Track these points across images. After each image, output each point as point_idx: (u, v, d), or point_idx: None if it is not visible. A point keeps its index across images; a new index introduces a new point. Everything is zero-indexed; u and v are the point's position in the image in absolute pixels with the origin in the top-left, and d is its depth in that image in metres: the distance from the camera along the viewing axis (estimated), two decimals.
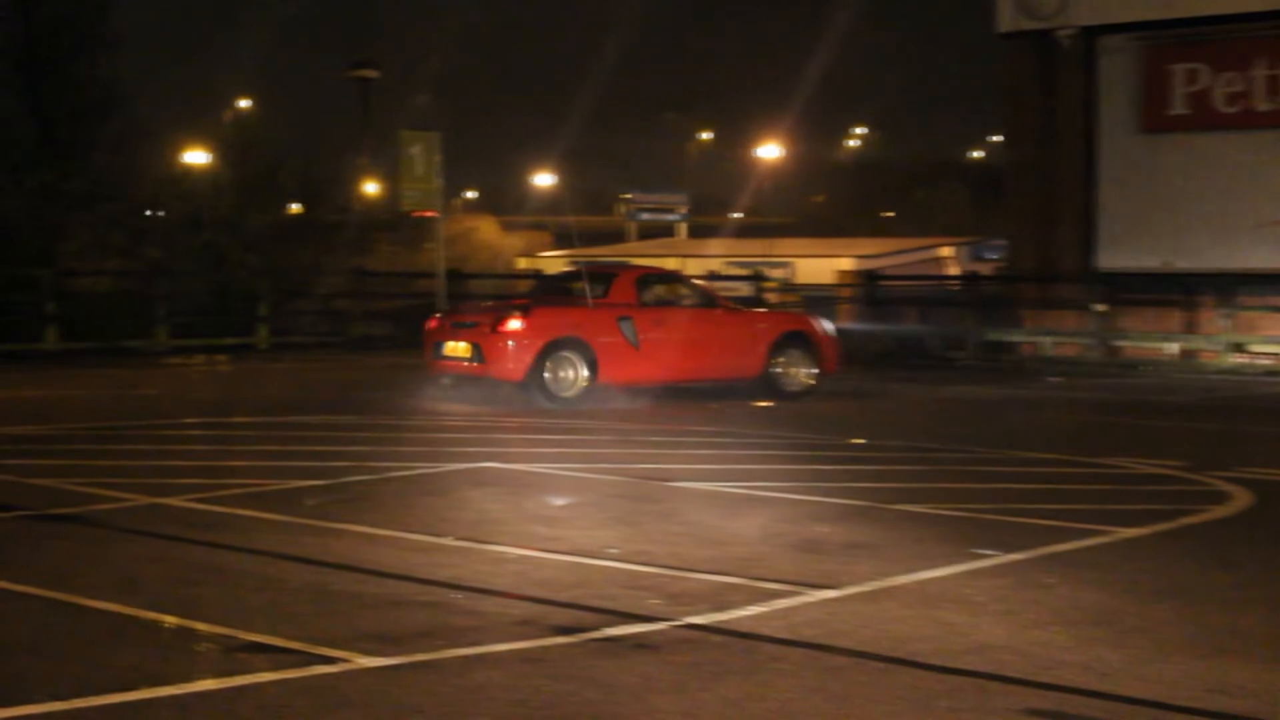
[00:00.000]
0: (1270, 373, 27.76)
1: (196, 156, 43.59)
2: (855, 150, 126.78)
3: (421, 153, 28.99)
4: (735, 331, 21.58)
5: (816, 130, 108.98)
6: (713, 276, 36.59)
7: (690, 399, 21.11)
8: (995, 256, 48.26)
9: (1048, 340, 31.19)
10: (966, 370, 28.75)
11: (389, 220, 43.61)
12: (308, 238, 38.60)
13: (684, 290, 22.28)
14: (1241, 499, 12.49)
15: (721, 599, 8.55)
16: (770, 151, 75.60)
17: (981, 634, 7.86)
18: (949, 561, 9.62)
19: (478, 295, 32.64)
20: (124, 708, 6.52)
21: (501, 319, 20.21)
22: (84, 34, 36.95)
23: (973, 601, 8.58)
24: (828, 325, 22.59)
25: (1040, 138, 33.19)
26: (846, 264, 47.67)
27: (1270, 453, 15.92)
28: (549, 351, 19.97)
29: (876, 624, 8.04)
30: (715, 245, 58.89)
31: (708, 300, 21.97)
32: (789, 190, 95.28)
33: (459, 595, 8.58)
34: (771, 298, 33.98)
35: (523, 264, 58.14)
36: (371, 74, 43.59)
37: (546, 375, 19.94)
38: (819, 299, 33.69)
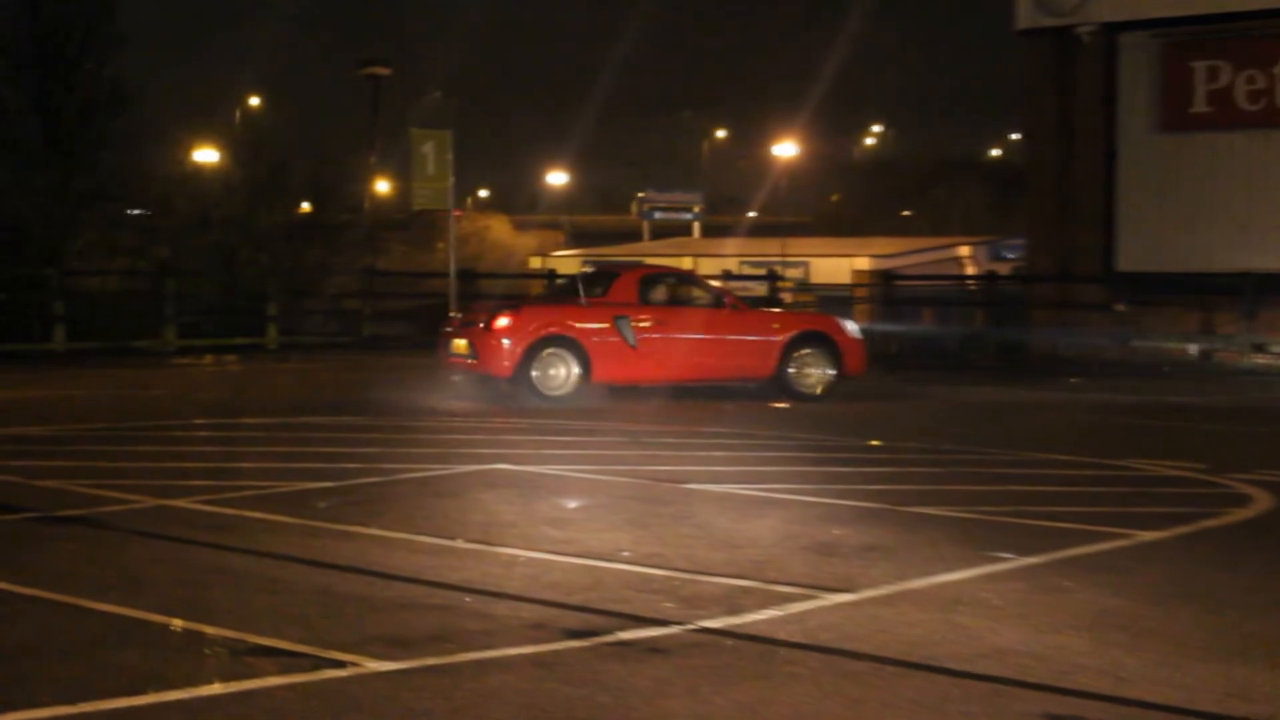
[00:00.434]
0: None
1: (206, 155, 43.66)
2: (872, 148, 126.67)
3: (433, 151, 29.01)
4: (745, 332, 21.54)
5: (833, 128, 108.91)
6: (727, 276, 36.60)
7: (703, 400, 21.11)
8: (1013, 256, 48.22)
9: (1066, 341, 31.15)
10: (984, 371, 28.72)
11: (400, 219, 43.67)
12: (317, 237, 38.64)
13: (693, 290, 22.27)
14: (1263, 502, 12.46)
15: (735, 602, 8.55)
16: (786, 150, 75.48)
17: (998, 638, 7.85)
18: (965, 565, 9.61)
19: (497, 296, 32.65)
20: (131, 712, 6.53)
21: (493, 317, 20.77)
22: (91, 32, 36.97)
23: (989, 605, 8.57)
24: (851, 326, 22.46)
25: (1059, 136, 33.16)
26: (863, 263, 47.67)
27: None
28: (537, 349, 20.43)
29: (892, 628, 8.03)
30: (730, 245, 58.88)
31: (718, 300, 21.92)
32: (805, 189, 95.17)
33: (470, 598, 8.59)
34: (786, 298, 33.97)
35: (535, 263, 58.14)
36: (382, 71, 43.58)
37: (535, 372, 20.40)
38: (835, 299, 33.69)
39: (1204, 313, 30.46)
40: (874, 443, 16.73)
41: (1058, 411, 21.07)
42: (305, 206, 40.93)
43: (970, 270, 50.90)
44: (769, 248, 51.95)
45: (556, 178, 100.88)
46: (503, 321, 20.64)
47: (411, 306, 38.31)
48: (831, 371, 21.60)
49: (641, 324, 21.04)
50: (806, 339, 21.69)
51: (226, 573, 9.26)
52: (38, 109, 36.27)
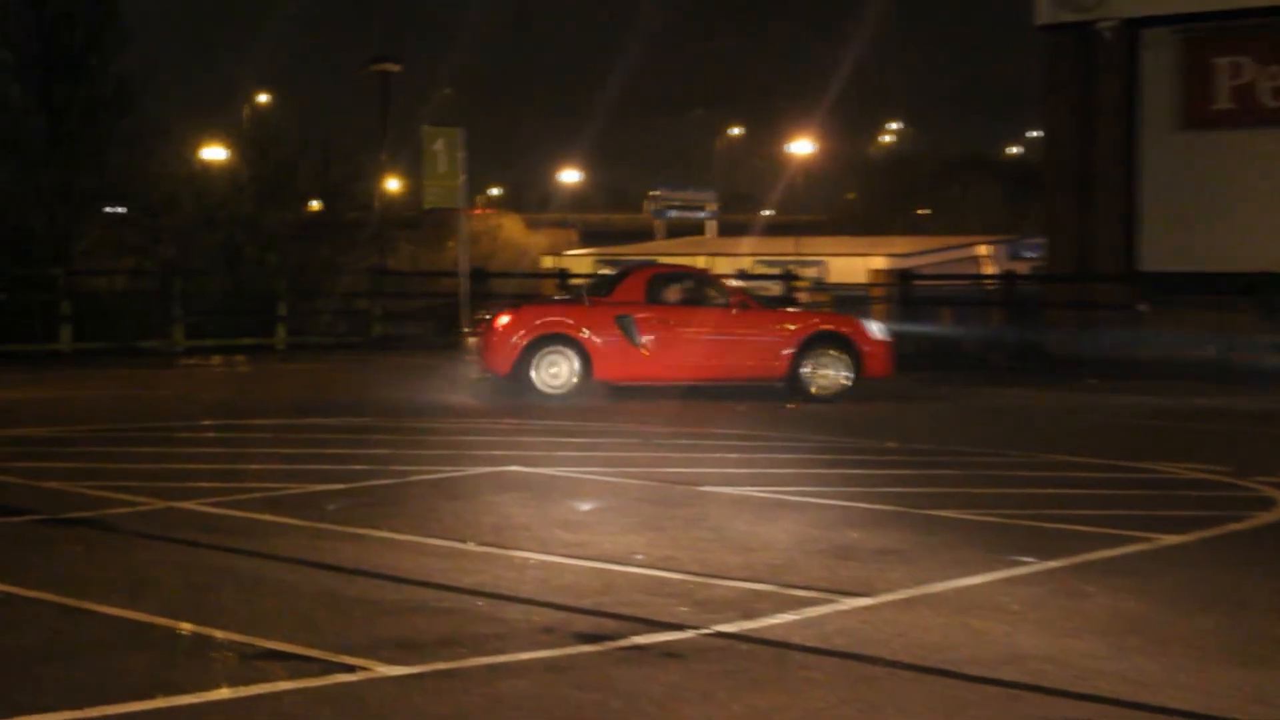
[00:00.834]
0: None
1: (213, 153, 43.70)
2: (889, 146, 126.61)
3: (444, 149, 29.04)
4: (754, 332, 21.56)
5: (849, 126, 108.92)
6: (742, 276, 36.61)
7: (717, 402, 21.11)
8: (1033, 255, 48.16)
9: (1086, 341, 31.09)
10: (1003, 372, 28.69)
11: (410, 218, 43.68)
12: (326, 236, 38.66)
13: (703, 289, 22.28)
14: None
15: (750, 606, 8.55)
16: (802, 147, 75.55)
17: (1018, 643, 7.85)
18: (984, 568, 9.61)
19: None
20: (138, 716, 6.54)
21: (495, 316, 21.58)
22: (97, 29, 37.02)
23: (1009, 610, 8.57)
24: (875, 327, 22.30)
25: (1079, 133, 33.09)
26: (880, 263, 47.58)
27: None
28: (535, 347, 20.99)
29: (910, 632, 8.03)
30: (745, 244, 58.89)
31: (731, 300, 21.90)
32: (821, 187, 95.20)
33: (481, 602, 8.60)
34: (802, 297, 33.94)
35: (548, 263, 58.15)
36: (393, 68, 43.61)
37: (534, 370, 20.96)
38: (851, 299, 33.65)
39: (1226, 313, 30.38)
40: (891, 445, 16.72)
41: (1077, 413, 21.04)
42: (314, 205, 40.96)
43: (988, 270, 50.85)
44: (784, 247, 51.98)
45: (569, 176, 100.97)
46: (503, 320, 21.34)
47: (422, 306, 38.33)
48: (848, 374, 21.52)
49: (646, 323, 21.31)
50: (822, 340, 21.63)
51: (235, 576, 9.28)
52: (43, 107, 36.33)
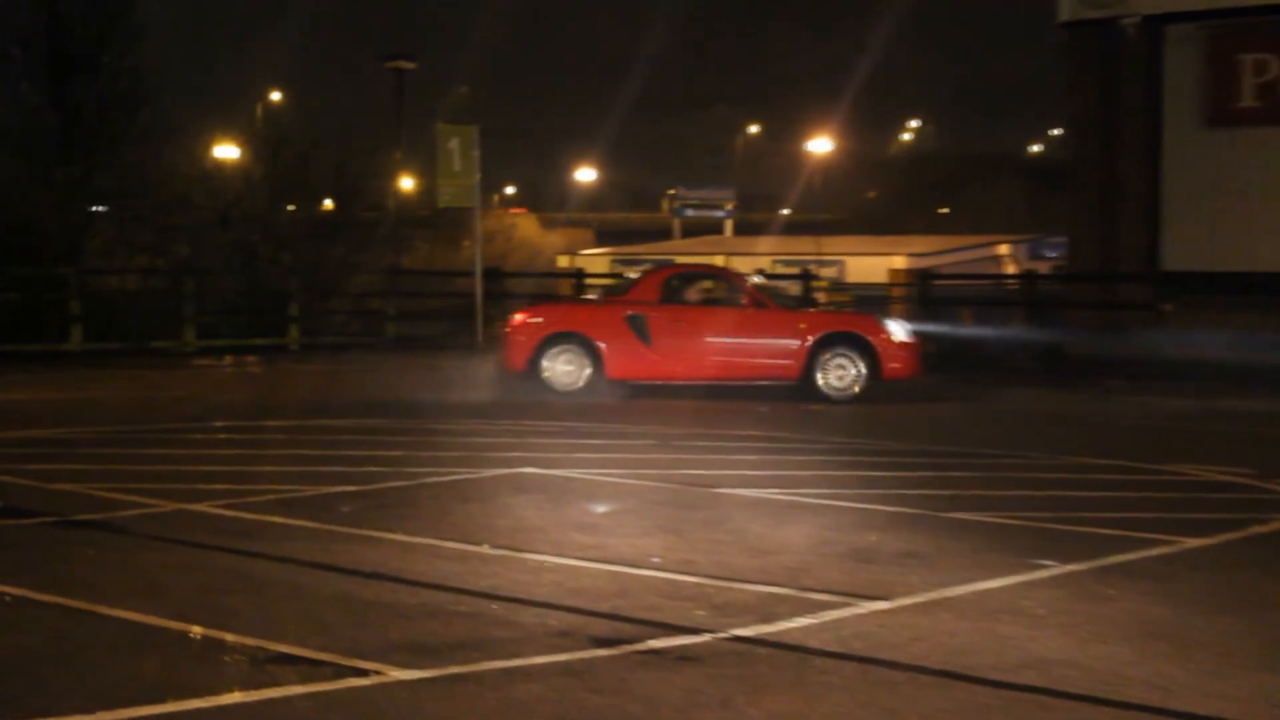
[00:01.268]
0: None
1: (227, 151, 43.75)
2: (909, 144, 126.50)
3: (459, 147, 29.06)
4: (768, 332, 21.61)
5: (869, 124, 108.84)
6: (761, 275, 36.59)
7: (735, 402, 21.10)
8: (1054, 255, 48.08)
9: (1108, 342, 31.01)
10: (1024, 372, 28.62)
11: (424, 217, 43.67)
12: (341, 235, 38.66)
13: (720, 289, 22.37)
14: None
15: (768, 610, 8.53)
16: (821, 145, 75.45)
17: (1040, 647, 7.82)
18: (1005, 572, 9.59)
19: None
20: None
21: (513, 314, 22.70)
22: (110, 25, 37.05)
23: (1031, 614, 8.54)
24: (895, 327, 22.11)
25: (1102, 132, 33.00)
26: (899, 262, 47.50)
27: None
28: (547, 345, 21.71)
29: (930, 636, 8.01)
30: (763, 243, 58.87)
31: (751, 299, 21.91)
32: (840, 186, 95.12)
33: (496, 605, 8.59)
34: (820, 297, 33.91)
35: (563, 262, 58.15)
36: (408, 65, 43.57)
37: (545, 367, 21.66)
38: (871, 299, 33.60)
39: (1251, 313, 30.29)
40: (910, 446, 16.68)
41: (1099, 414, 20.99)
42: (328, 203, 40.97)
43: (1009, 269, 50.77)
44: (803, 246, 51.90)
45: (585, 174, 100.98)
46: (519, 318, 22.36)
47: (437, 306, 38.33)
48: (863, 375, 21.44)
49: (657, 322, 21.65)
50: (836, 340, 21.55)
51: (247, 579, 9.28)
52: (55, 104, 36.38)
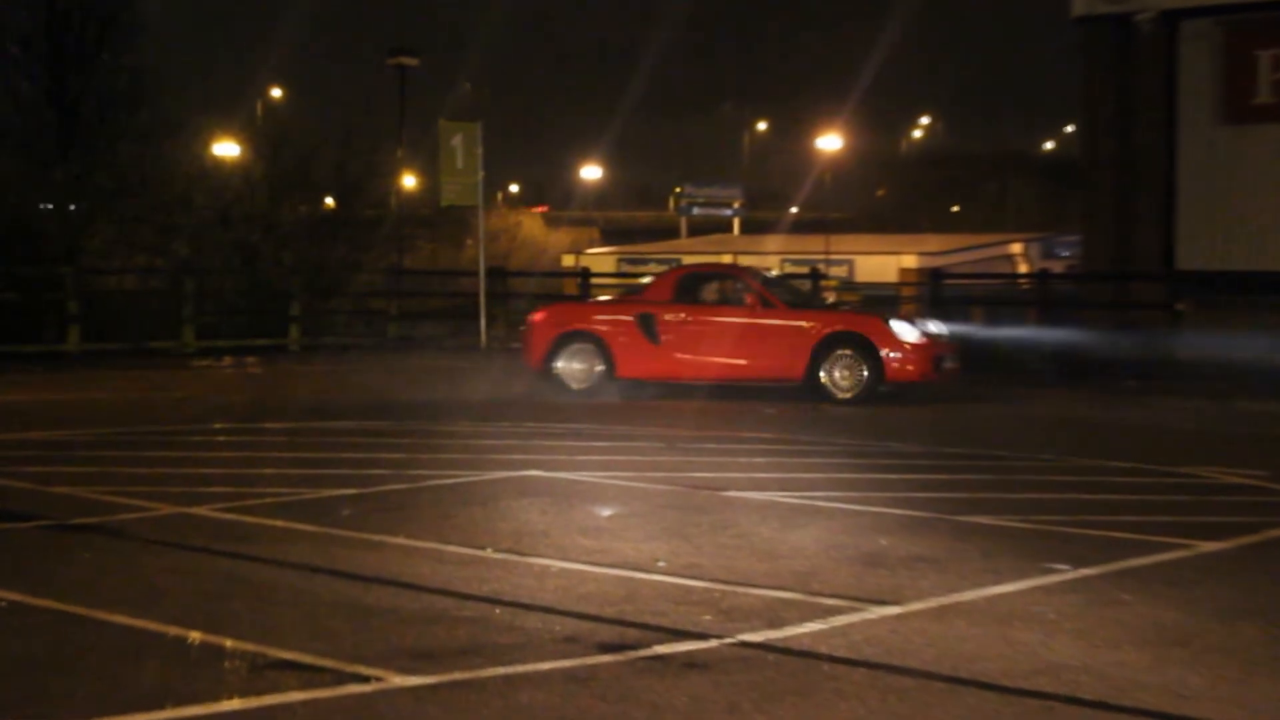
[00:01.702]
0: None
1: (227, 149, 43.80)
2: (919, 142, 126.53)
3: (462, 144, 29.05)
4: (774, 332, 21.70)
5: (879, 121, 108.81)
6: (772, 272, 36.65)
7: (743, 404, 21.10)
8: (1067, 254, 48.08)
9: (1123, 342, 30.98)
10: (1038, 373, 28.61)
11: (427, 215, 43.74)
12: (342, 234, 38.72)
13: (732, 289, 22.43)
14: None
15: (777, 615, 8.52)
16: (830, 143, 75.42)
17: (1053, 653, 7.80)
18: (1019, 576, 9.57)
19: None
20: None
21: (531, 313, 23.66)
22: (109, 21, 37.12)
23: (1044, 619, 8.53)
24: (901, 327, 21.83)
25: (1116, 128, 32.98)
26: (910, 261, 47.55)
27: None
28: (561, 344, 22.54)
29: (942, 642, 7.99)
30: (771, 241, 58.91)
31: (759, 299, 21.95)
32: (849, 184, 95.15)
33: (500, 610, 8.58)
34: (829, 297, 33.92)
35: (569, 261, 58.19)
36: (410, 62, 43.59)
37: (560, 365, 22.48)
38: (881, 298, 33.62)
39: (1267, 313, 30.26)
40: (920, 448, 16.66)
41: (1114, 416, 20.98)
42: (329, 202, 41.01)
43: (1022, 268, 50.79)
44: (812, 245, 51.96)
45: (590, 172, 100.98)
46: (536, 317, 23.26)
47: (440, 306, 38.37)
48: (867, 376, 21.37)
49: (666, 322, 22.09)
50: (840, 340, 21.51)
51: (247, 583, 9.27)
52: (53, 102, 36.43)
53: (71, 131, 36.15)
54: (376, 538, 10.62)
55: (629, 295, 23.95)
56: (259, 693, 6.95)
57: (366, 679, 7.19)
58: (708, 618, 8.46)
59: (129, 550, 10.33)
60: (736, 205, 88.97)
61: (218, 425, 17.97)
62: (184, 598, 8.86)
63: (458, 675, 7.28)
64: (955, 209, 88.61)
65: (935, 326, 22.79)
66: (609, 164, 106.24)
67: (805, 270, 37.75)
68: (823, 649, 7.83)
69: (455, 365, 27.73)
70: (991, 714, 6.86)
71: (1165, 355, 30.20)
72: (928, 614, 8.62)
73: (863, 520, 11.66)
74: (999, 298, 37.20)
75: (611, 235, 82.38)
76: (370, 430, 17.65)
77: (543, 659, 7.57)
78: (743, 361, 21.76)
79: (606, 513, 11.98)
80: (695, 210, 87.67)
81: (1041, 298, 33.10)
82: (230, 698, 6.87)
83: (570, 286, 40.32)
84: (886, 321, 22.01)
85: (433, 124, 31.66)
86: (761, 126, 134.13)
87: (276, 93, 65.28)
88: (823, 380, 21.44)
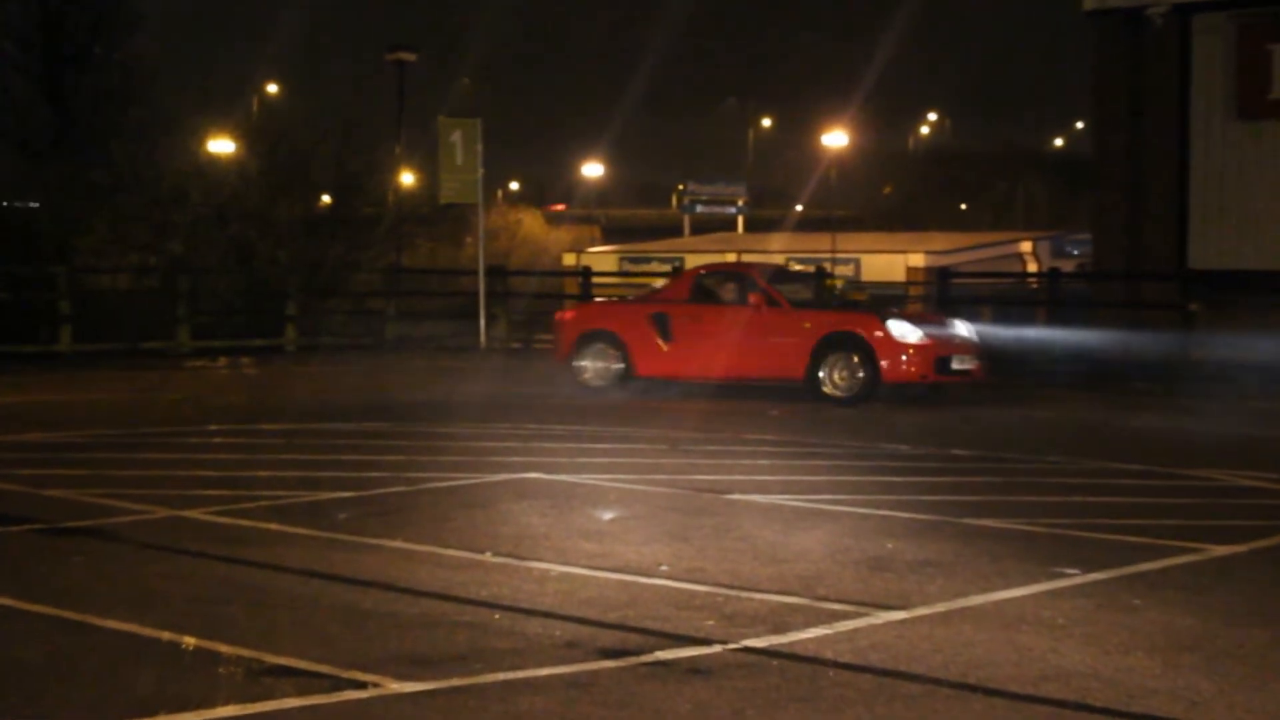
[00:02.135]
0: None
1: (223, 145, 43.79)
2: (927, 139, 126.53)
3: (461, 141, 29.06)
4: (774, 331, 21.87)
5: (885, 117, 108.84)
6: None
7: (748, 405, 21.11)
8: (1078, 252, 48.04)
9: (1134, 343, 30.95)
10: (1047, 374, 28.61)
11: (426, 213, 43.71)
12: (340, 232, 38.68)
13: (743, 288, 22.48)
14: None
15: (781, 620, 8.53)
16: (836, 140, 75.32)
17: (1062, 659, 7.81)
18: (1027, 581, 9.57)
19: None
20: None
21: (560, 312, 24.73)
22: (104, 15, 37.15)
23: (1053, 624, 8.53)
24: (898, 326, 21.62)
25: (1128, 124, 32.95)
26: (917, 260, 47.52)
27: None
28: (583, 342, 23.17)
29: (949, 648, 8.00)
30: (776, 240, 58.87)
31: (765, 299, 22.01)
32: (855, 181, 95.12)
33: (499, 615, 8.59)
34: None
35: (570, 260, 58.19)
36: (408, 57, 43.58)
37: (582, 364, 23.09)
38: (888, 297, 33.59)
39: None
40: (926, 450, 16.67)
41: (1124, 417, 20.97)
42: (326, 200, 40.97)
43: (1032, 267, 50.75)
44: (818, 243, 51.86)
45: (592, 169, 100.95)
46: (563, 317, 24.37)
47: (439, 306, 38.33)
48: (863, 376, 21.32)
49: (678, 322, 22.46)
50: (838, 340, 21.48)
51: (243, 588, 9.28)
52: (47, 97, 36.46)
53: (65, 128, 36.16)
54: (374, 541, 10.63)
55: (649, 294, 24.45)
56: (255, 698, 6.95)
57: (364, 685, 7.19)
58: (711, 623, 8.47)
59: (123, 554, 10.34)
60: (741, 203, 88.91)
61: (213, 427, 17.98)
62: (179, 602, 8.87)
63: (456, 681, 7.28)
64: (963, 207, 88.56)
65: (964, 328, 22.81)
66: (611, 161, 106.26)
67: (810, 269, 37.72)
68: (828, 654, 7.83)
69: (454, 366, 27.74)
70: None
71: (1176, 356, 30.18)
72: (934, 619, 8.63)
73: (868, 523, 11.66)
74: (1008, 297, 37.17)
75: (613, 233, 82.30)
76: (368, 432, 17.66)
77: (543, 665, 7.57)
78: (748, 361, 21.89)
79: (608, 516, 11.99)
80: (699, 208, 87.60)
81: (1051, 297, 33.06)
82: (226, 703, 6.88)
83: (571, 286, 40.28)
84: (884, 321, 21.75)
85: (432, 120, 31.68)
86: (766, 123, 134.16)
87: (273, 88, 65.25)
88: (822, 380, 21.46)
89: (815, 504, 12.52)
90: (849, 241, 53.19)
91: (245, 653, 7.70)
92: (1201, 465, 15.26)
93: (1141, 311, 32.10)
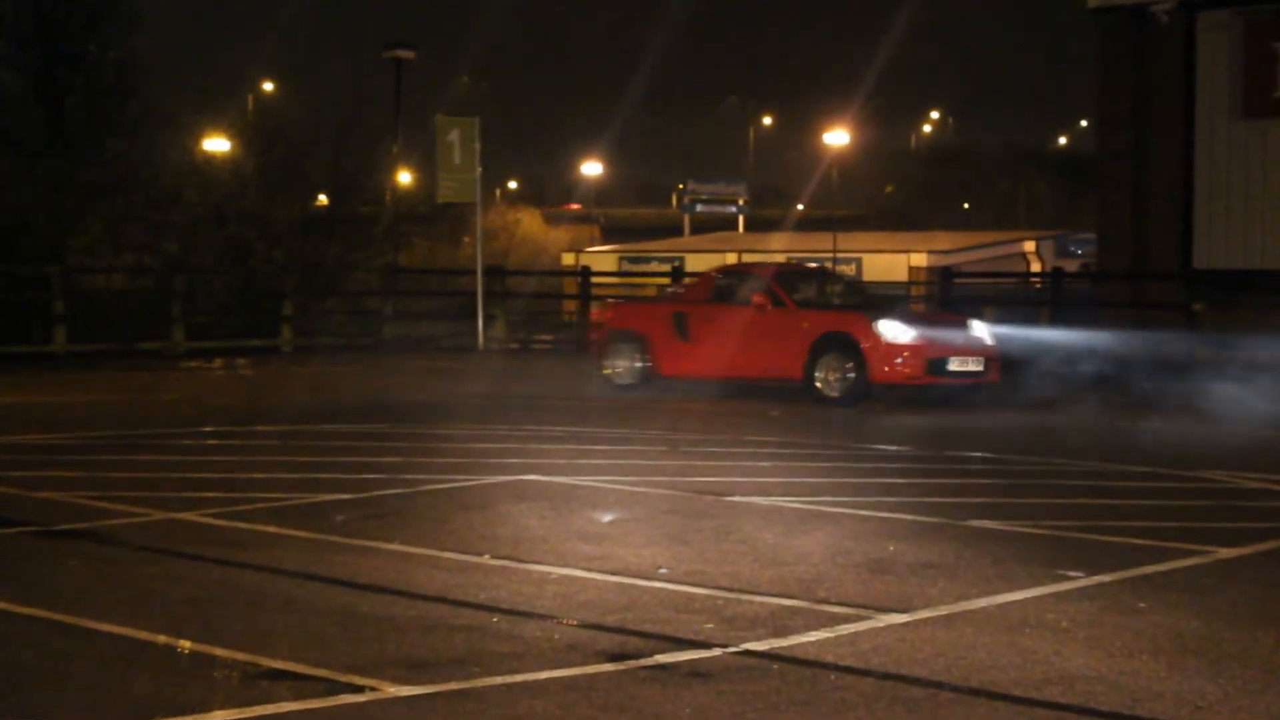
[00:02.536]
0: None
1: (218, 144, 43.76)
2: (929, 137, 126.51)
3: (459, 140, 29.06)
4: (774, 332, 22.03)
5: (888, 116, 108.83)
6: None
7: (749, 406, 21.12)
8: (1082, 252, 48.07)
9: (1138, 342, 30.94)
10: (1049, 375, 28.60)
11: (424, 213, 43.70)
12: (337, 232, 38.66)
13: (757, 287, 22.59)
14: None
15: (782, 623, 8.53)
16: (838, 139, 75.29)
17: (1066, 662, 7.81)
18: (1031, 583, 9.57)
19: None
20: None
21: (593, 311, 26.21)
22: (98, 12, 37.07)
23: (1057, 627, 8.53)
24: (888, 326, 21.50)
25: (1133, 123, 32.93)
26: (920, 259, 47.53)
27: None
28: (611, 341, 23.80)
29: (951, 651, 8.00)
30: (777, 239, 58.89)
31: (769, 298, 22.10)
32: (857, 180, 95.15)
33: (498, 618, 8.59)
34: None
35: (569, 259, 58.21)
36: (406, 54, 43.57)
37: (610, 362, 23.71)
38: (889, 298, 33.58)
39: None
40: (928, 451, 16.67)
41: (1128, 418, 20.98)
42: (323, 199, 40.96)
43: (1035, 267, 50.78)
44: (819, 243, 51.88)
45: (591, 168, 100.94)
46: (594, 317, 25.74)
47: (437, 306, 38.34)
48: (854, 377, 21.33)
49: (694, 321, 22.87)
50: (831, 340, 21.53)
51: (238, 591, 9.29)
52: (40, 95, 36.40)
53: (58, 126, 36.11)
54: (371, 544, 10.63)
55: (674, 294, 25.09)
56: (251, 702, 6.95)
57: (360, 689, 7.19)
58: (711, 626, 8.47)
59: (119, 557, 10.34)
60: (741, 202, 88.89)
61: (209, 429, 17.98)
62: (175, 605, 8.87)
63: (454, 685, 7.29)
64: (966, 206, 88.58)
65: (980, 329, 22.88)
66: (611, 161, 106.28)
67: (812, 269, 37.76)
68: (829, 658, 7.84)
69: (452, 366, 27.75)
70: None
71: (1181, 356, 30.16)
72: (937, 622, 8.63)
73: (870, 525, 11.67)
74: (1011, 297, 37.18)
75: (612, 233, 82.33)
76: (365, 434, 17.66)
77: (542, 668, 7.58)
78: (753, 361, 22.07)
79: (607, 518, 11.99)
80: (699, 207, 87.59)
81: (1054, 297, 33.08)
82: (222, 707, 6.88)
83: (570, 285, 40.31)
84: (872, 321, 21.64)
85: (430, 119, 31.68)
86: (767, 122, 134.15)
87: (269, 87, 65.23)
88: (816, 380, 21.51)
89: (816, 506, 12.52)
90: (850, 241, 53.21)
91: (241, 656, 7.70)
92: (1206, 467, 15.27)
93: (1145, 312, 32.10)
